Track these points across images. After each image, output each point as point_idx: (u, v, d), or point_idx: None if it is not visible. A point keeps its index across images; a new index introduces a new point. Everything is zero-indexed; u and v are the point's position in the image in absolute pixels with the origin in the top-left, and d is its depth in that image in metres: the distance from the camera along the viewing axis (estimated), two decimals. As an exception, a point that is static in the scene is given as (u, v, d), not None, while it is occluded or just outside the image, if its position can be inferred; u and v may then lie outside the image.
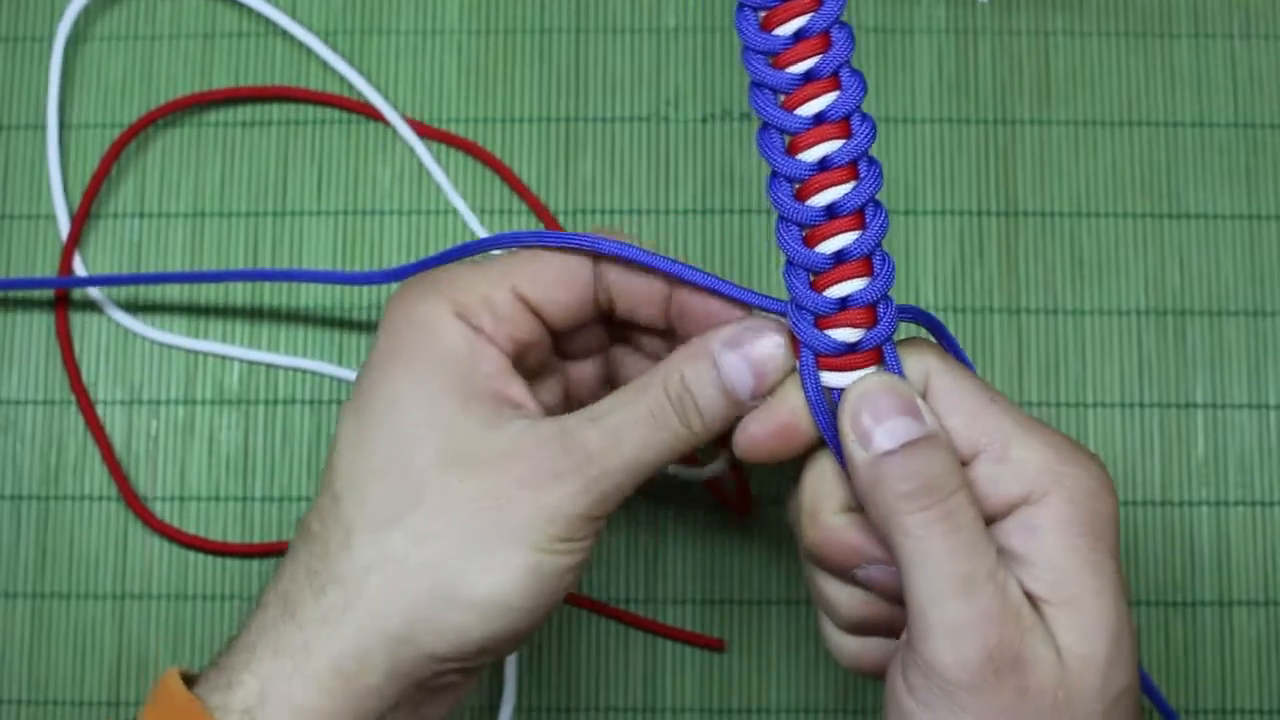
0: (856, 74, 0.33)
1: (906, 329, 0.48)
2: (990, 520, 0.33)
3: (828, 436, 0.34)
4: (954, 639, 0.31)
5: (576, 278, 0.36)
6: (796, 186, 0.33)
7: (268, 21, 0.51)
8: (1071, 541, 0.32)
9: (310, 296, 0.50)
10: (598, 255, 0.36)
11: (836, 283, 0.33)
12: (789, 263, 0.34)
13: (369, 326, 0.50)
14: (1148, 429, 0.49)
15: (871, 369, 0.34)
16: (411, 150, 0.50)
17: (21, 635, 0.48)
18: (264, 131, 0.51)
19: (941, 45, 0.51)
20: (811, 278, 0.34)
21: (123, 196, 0.50)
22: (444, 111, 0.51)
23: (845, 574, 0.36)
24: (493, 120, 0.51)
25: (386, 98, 0.51)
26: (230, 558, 0.48)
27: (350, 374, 0.49)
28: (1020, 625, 0.31)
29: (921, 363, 0.34)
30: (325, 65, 0.51)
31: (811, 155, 0.33)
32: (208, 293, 0.50)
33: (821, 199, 0.33)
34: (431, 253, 0.50)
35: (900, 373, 0.34)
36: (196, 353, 0.49)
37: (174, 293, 0.50)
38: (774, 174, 0.33)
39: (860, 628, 0.36)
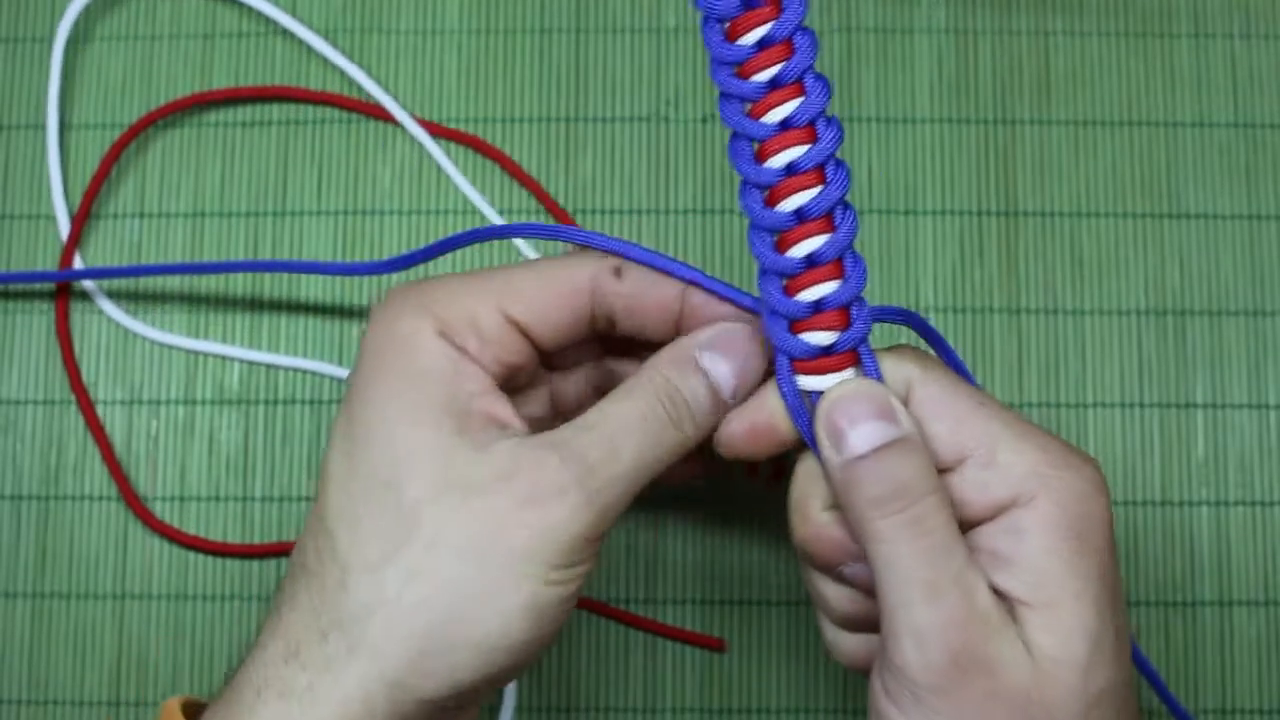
0: (820, 79, 0.33)
1: (897, 334, 0.48)
2: (978, 522, 0.33)
3: (807, 438, 0.34)
4: (919, 642, 0.32)
5: (571, 300, 0.36)
6: (766, 193, 0.33)
7: (268, 21, 0.51)
8: (1054, 545, 0.32)
9: (310, 296, 0.50)
10: (618, 265, 0.36)
11: (808, 286, 0.34)
12: (762, 269, 0.34)
13: (369, 326, 0.50)
14: (1148, 429, 0.49)
15: (849, 371, 0.34)
16: (412, 149, 0.50)
17: (21, 635, 0.48)
18: (264, 131, 0.51)
19: (941, 45, 0.51)
20: (784, 282, 0.34)
21: (123, 197, 0.50)
22: (444, 111, 0.51)
23: (833, 571, 0.36)
24: (493, 120, 0.51)
25: (366, 98, 0.51)
26: (230, 558, 0.48)
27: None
28: (987, 629, 0.31)
29: (903, 368, 0.34)
30: (326, 65, 0.51)
31: (778, 161, 0.33)
32: (208, 292, 0.50)
33: (790, 204, 0.33)
34: (431, 253, 0.50)
35: (878, 375, 0.34)
36: (196, 353, 0.49)
37: (174, 292, 0.50)
38: (744, 182, 0.34)
39: (853, 624, 0.36)
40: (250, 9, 0.51)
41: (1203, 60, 0.51)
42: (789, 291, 0.34)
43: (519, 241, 0.50)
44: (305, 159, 0.51)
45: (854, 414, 0.33)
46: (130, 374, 0.49)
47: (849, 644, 0.37)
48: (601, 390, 0.39)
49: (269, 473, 0.49)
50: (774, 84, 0.33)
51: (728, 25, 0.33)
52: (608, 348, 0.40)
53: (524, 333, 0.35)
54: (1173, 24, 0.51)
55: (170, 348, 0.50)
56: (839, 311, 0.34)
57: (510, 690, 0.47)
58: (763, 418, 0.35)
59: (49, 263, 0.50)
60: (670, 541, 0.48)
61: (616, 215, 0.50)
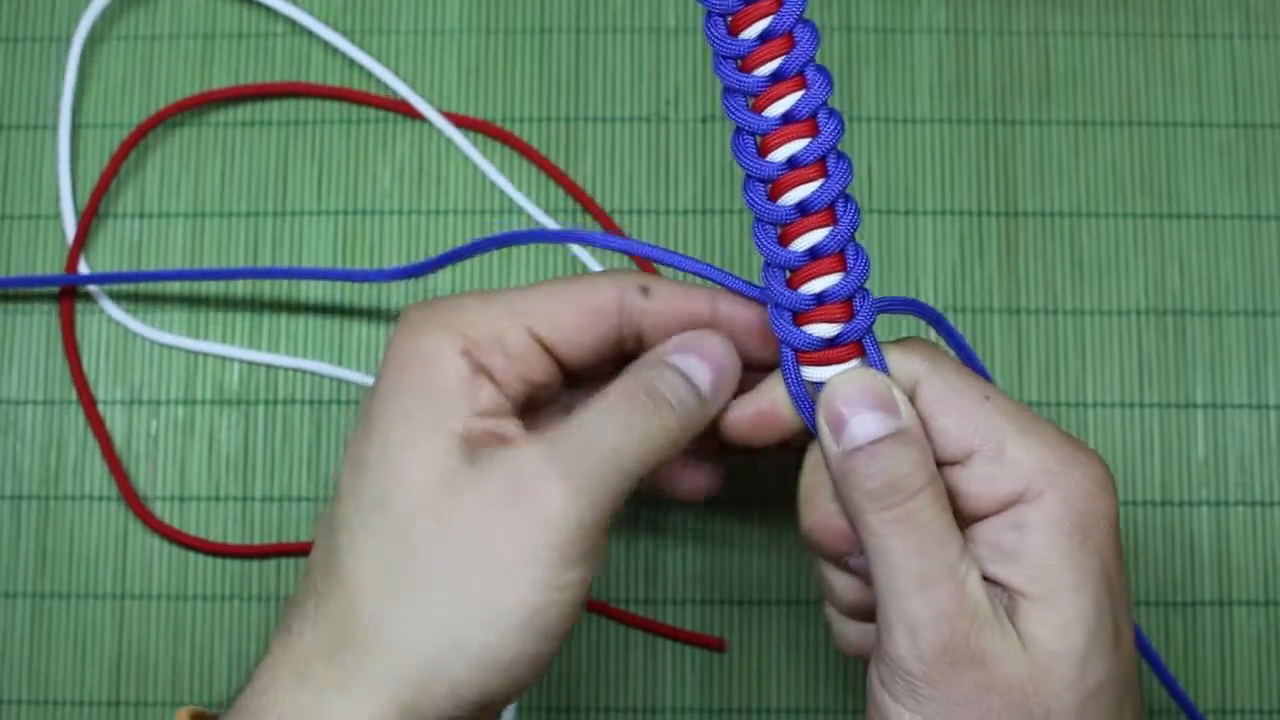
0: (822, 71, 0.33)
1: (904, 325, 0.48)
2: (984, 516, 0.33)
3: (812, 428, 0.35)
4: (911, 633, 0.32)
5: (598, 321, 0.36)
6: (769, 186, 0.34)
7: (270, 21, 0.51)
8: (1057, 539, 0.32)
9: (310, 296, 0.50)
10: (645, 283, 0.36)
11: (812, 278, 0.34)
12: (766, 262, 0.34)
13: (370, 326, 0.50)
14: (1148, 429, 0.49)
15: (853, 363, 0.34)
16: (414, 147, 0.50)
17: (21, 635, 0.48)
18: (264, 131, 0.51)
19: (941, 45, 0.51)
20: (788, 275, 0.34)
21: (123, 197, 0.50)
22: (444, 111, 0.51)
23: (839, 561, 0.36)
24: (493, 120, 0.51)
25: (394, 95, 0.51)
26: (230, 558, 0.48)
27: (350, 374, 0.49)
28: (978, 621, 0.32)
29: (910, 361, 0.34)
30: (328, 63, 0.51)
31: (780, 155, 0.33)
32: (208, 292, 0.50)
33: (792, 197, 0.33)
34: (430, 254, 0.50)
35: (883, 366, 0.34)
36: (196, 353, 0.49)
37: (174, 293, 0.50)
38: (747, 177, 0.34)
39: (858, 612, 0.37)
40: (253, 7, 0.51)
41: (1203, 60, 0.51)
42: (792, 284, 0.34)
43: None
44: (305, 159, 0.51)
45: (852, 405, 0.33)
46: (130, 374, 0.49)
47: (853, 632, 0.37)
48: None
49: (269, 473, 0.49)
50: (776, 77, 0.33)
51: (730, 19, 0.33)
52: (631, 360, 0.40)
53: (550, 351, 0.36)
54: (1173, 24, 0.51)
55: (170, 348, 0.50)
56: (842, 303, 0.34)
57: (510, 690, 0.47)
58: (768, 406, 0.35)
59: (51, 263, 0.50)
60: (670, 541, 0.48)
61: (617, 215, 0.50)
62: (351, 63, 0.51)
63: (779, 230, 0.34)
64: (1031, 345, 0.49)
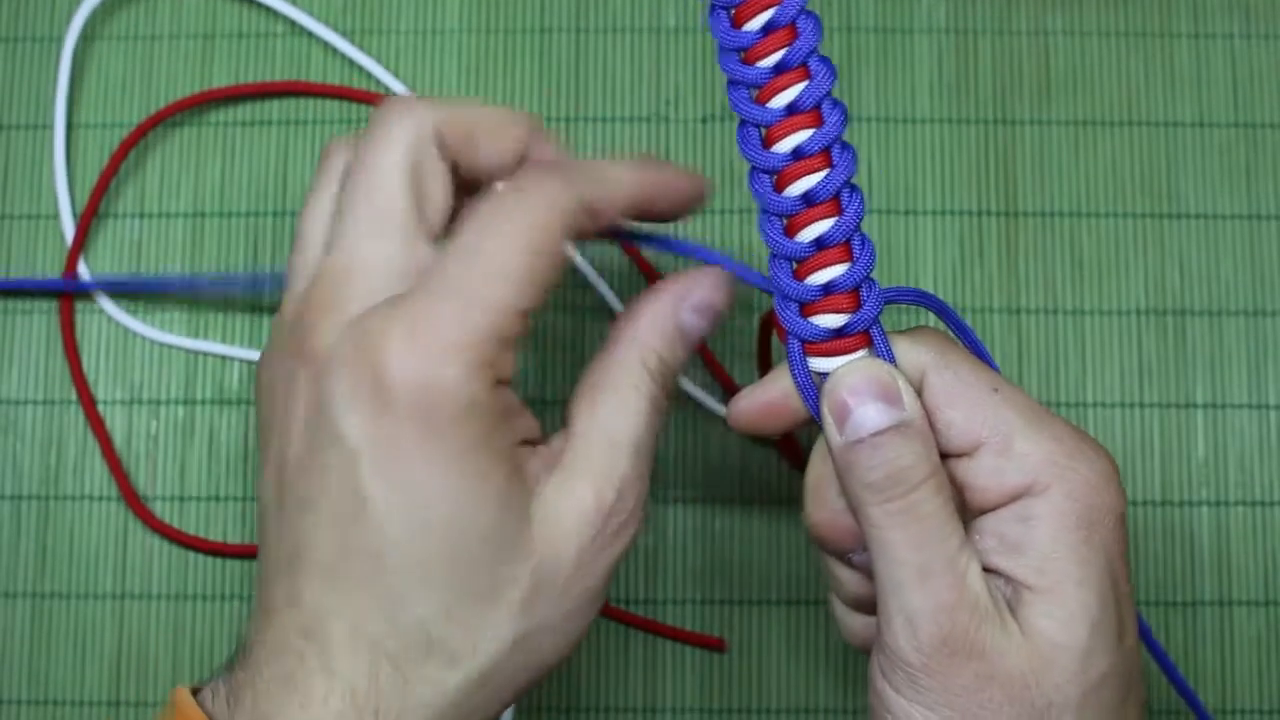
0: (825, 62, 0.33)
1: (910, 316, 0.48)
2: (991, 508, 0.33)
3: (818, 420, 0.35)
4: (910, 625, 0.32)
5: (559, 258, 0.35)
6: (774, 178, 0.34)
7: (269, 21, 0.51)
8: (1062, 532, 0.32)
9: (310, 296, 0.50)
10: (588, 209, 0.35)
11: (818, 269, 0.34)
12: (772, 254, 0.34)
13: (369, 326, 0.50)
14: (1148, 429, 0.49)
15: (861, 353, 0.34)
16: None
17: (21, 635, 0.48)
18: (264, 131, 0.51)
19: (941, 45, 0.51)
20: (794, 266, 0.34)
21: (123, 196, 0.51)
22: (444, 111, 0.51)
23: (843, 557, 0.36)
24: (493, 120, 0.51)
25: (392, 94, 0.51)
26: (230, 558, 0.48)
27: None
28: (978, 613, 0.32)
29: (918, 351, 0.34)
30: (327, 64, 0.51)
31: (785, 145, 0.33)
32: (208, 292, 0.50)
33: (798, 188, 0.33)
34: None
35: (890, 357, 0.34)
36: (196, 353, 0.49)
37: (174, 292, 0.50)
38: (752, 169, 0.34)
39: (863, 605, 0.37)
40: (253, 7, 0.51)
41: (1203, 60, 0.51)
42: (799, 275, 0.34)
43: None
44: (305, 159, 0.51)
45: (856, 396, 0.33)
46: (130, 374, 0.49)
47: (858, 625, 0.37)
48: None
49: (269, 473, 0.49)
50: (779, 68, 0.33)
51: (733, 12, 0.33)
52: None
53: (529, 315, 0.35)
54: (1173, 24, 0.51)
55: (170, 348, 0.50)
56: (849, 293, 0.34)
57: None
58: (776, 396, 0.35)
59: (50, 263, 0.50)
60: (670, 541, 0.48)
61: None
62: (351, 63, 0.51)
63: (785, 221, 0.34)
64: (1031, 345, 0.49)
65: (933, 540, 0.32)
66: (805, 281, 0.34)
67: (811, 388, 0.35)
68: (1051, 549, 0.32)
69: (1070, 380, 0.49)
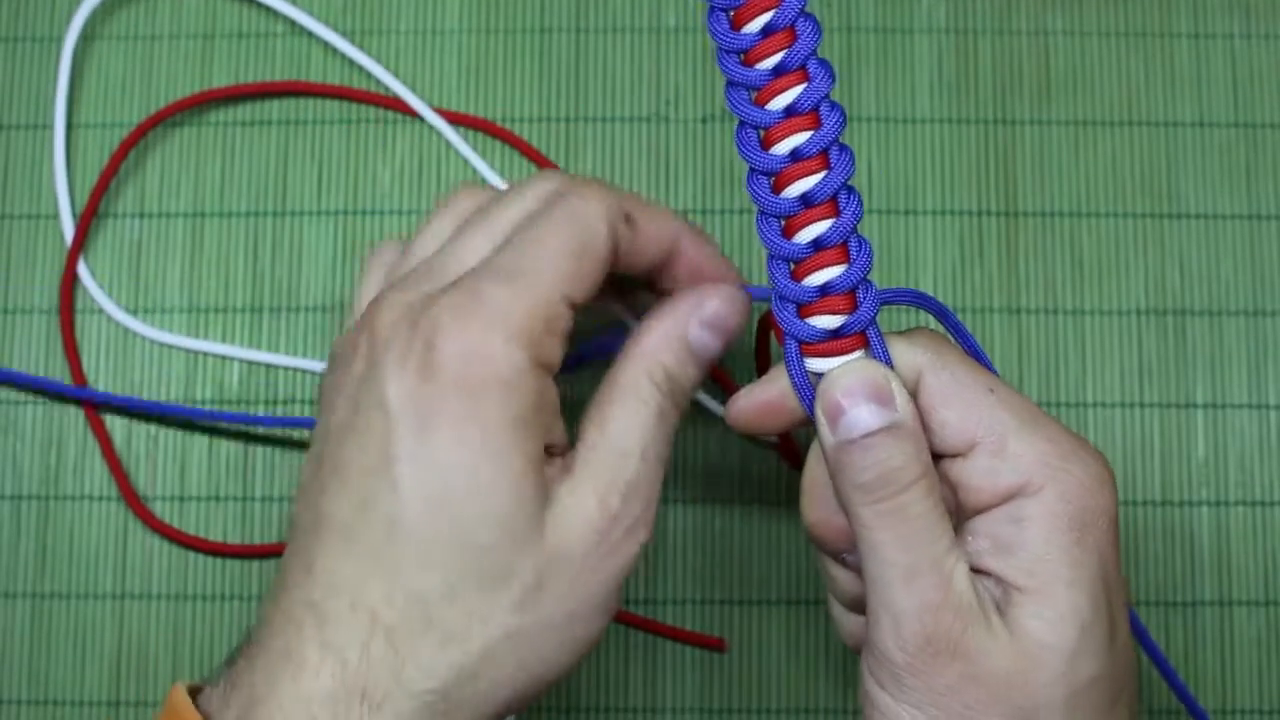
0: (824, 64, 0.33)
1: (909, 318, 0.48)
2: (984, 509, 0.34)
3: (814, 420, 0.35)
4: (895, 624, 0.32)
5: (605, 263, 0.36)
6: (772, 179, 0.34)
7: (269, 21, 0.51)
8: (1054, 534, 0.33)
9: (311, 296, 0.50)
10: (628, 212, 0.36)
11: (815, 270, 0.34)
12: (770, 255, 0.35)
13: (369, 326, 0.49)
14: (1148, 429, 0.49)
15: (857, 354, 0.34)
16: (414, 145, 0.50)
17: (21, 635, 0.48)
18: (264, 131, 0.51)
19: (941, 45, 0.51)
20: (791, 267, 0.34)
21: (123, 196, 0.51)
22: (444, 110, 0.51)
23: (838, 557, 0.37)
24: (493, 120, 0.51)
25: (392, 94, 0.51)
26: (230, 558, 0.48)
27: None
28: (963, 614, 0.32)
29: (914, 353, 0.34)
30: (327, 64, 0.51)
31: (783, 147, 0.34)
32: (208, 293, 0.50)
33: (796, 189, 0.34)
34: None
35: (886, 358, 0.34)
36: (196, 353, 0.49)
37: (174, 293, 0.50)
38: (751, 169, 0.34)
39: (859, 605, 0.37)
40: (253, 7, 0.51)
41: (1203, 60, 0.51)
42: (796, 276, 0.34)
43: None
44: (305, 159, 0.51)
45: (849, 397, 0.33)
46: (130, 374, 0.49)
47: (854, 624, 0.38)
48: None
49: (269, 473, 0.49)
50: (778, 71, 0.33)
51: (733, 14, 0.34)
52: None
53: (573, 306, 0.36)
54: (1173, 24, 0.51)
55: (170, 348, 0.50)
56: (846, 295, 0.34)
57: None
58: (774, 396, 0.36)
59: (49, 263, 0.50)
60: (670, 541, 0.48)
61: (616, 215, 0.50)
62: (351, 63, 0.51)
63: (782, 223, 0.34)
64: (1031, 345, 0.49)
65: (920, 541, 0.33)
66: (803, 282, 0.34)
67: (808, 388, 0.35)
68: (1043, 550, 0.32)
69: (1070, 380, 0.49)
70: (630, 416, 0.35)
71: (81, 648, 0.48)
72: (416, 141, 0.51)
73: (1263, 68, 0.51)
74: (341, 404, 0.35)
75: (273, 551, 0.48)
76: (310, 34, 0.51)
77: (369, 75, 0.51)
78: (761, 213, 0.34)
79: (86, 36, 0.51)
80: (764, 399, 0.36)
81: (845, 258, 0.34)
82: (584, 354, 0.39)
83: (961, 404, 0.34)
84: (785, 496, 0.48)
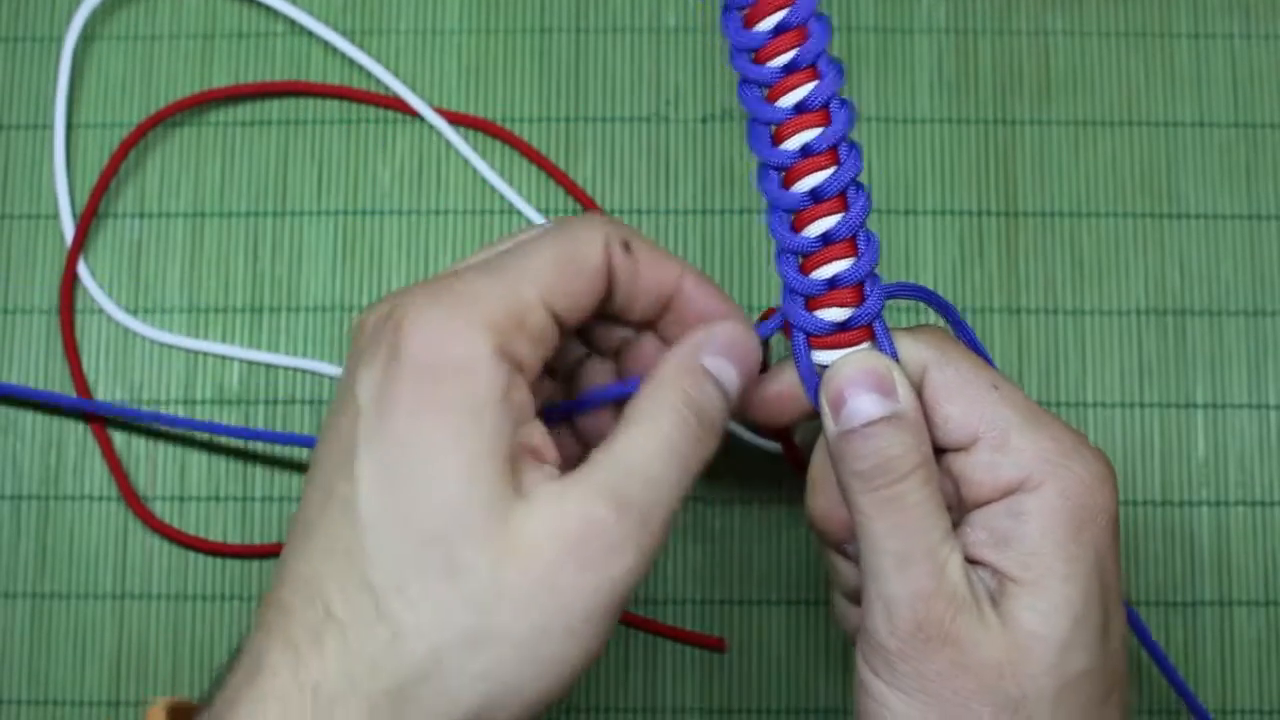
0: (834, 63, 0.34)
1: (911, 314, 0.48)
2: (984, 503, 0.34)
3: (818, 409, 0.35)
4: (887, 610, 0.33)
5: (596, 281, 0.34)
6: (783, 175, 0.35)
7: (269, 21, 0.51)
8: (1052, 529, 0.33)
9: (310, 296, 0.50)
10: (626, 238, 0.35)
11: (824, 264, 0.35)
12: (779, 249, 0.35)
13: (369, 326, 0.49)
14: (1148, 429, 0.49)
15: (863, 346, 0.35)
16: (414, 146, 0.50)
17: (21, 635, 0.48)
18: (264, 131, 0.51)
19: (941, 45, 0.51)
20: (800, 261, 0.35)
21: (123, 196, 0.51)
22: (444, 110, 0.51)
23: (839, 548, 0.37)
24: (493, 120, 0.51)
25: (392, 94, 0.51)
26: (230, 558, 0.48)
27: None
28: (954, 603, 0.32)
29: (920, 348, 0.35)
30: (327, 63, 0.51)
31: (794, 144, 0.34)
32: (208, 293, 0.50)
33: (805, 184, 0.34)
34: (429, 252, 0.50)
35: (891, 351, 0.35)
36: (196, 353, 0.49)
37: (174, 293, 0.50)
38: (762, 165, 0.35)
39: (860, 598, 0.37)
40: (253, 7, 0.51)
41: (1203, 60, 0.51)
42: (805, 269, 0.35)
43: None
44: (305, 159, 0.51)
45: (853, 386, 0.34)
46: (130, 374, 0.49)
47: (856, 616, 0.38)
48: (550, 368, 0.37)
49: (269, 473, 0.49)
50: (789, 68, 0.34)
51: (745, 13, 0.34)
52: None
53: (557, 320, 0.34)
54: (1173, 24, 0.51)
55: (170, 348, 0.50)
56: (853, 288, 0.35)
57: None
58: (783, 388, 0.36)
59: (49, 262, 0.50)
60: (670, 541, 0.48)
61: (617, 215, 0.50)
62: (351, 63, 0.51)
63: (792, 217, 0.35)
64: (1031, 345, 0.49)
65: (915, 530, 0.33)
66: (811, 276, 0.35)
67: (815, 379, 0.35)
68: (1040, 544, 0.33)
69: (1070, 380, 0.49)
70: (641, 437, 0.33)
71: (81, 648, 0.48)
72: (416, 141, 0.51)
73: (1263, 68, 0.51)
74: (331, 405, 0.34)
75: (272, 551, 0.48)
76: (310, 34, 0.51)
77: (369, 75, 0.51)
78: (771, 207, 0.35)
79: (86, 36, 0.51)
80: (777, 389, 0.36)
81: (853, 252, 0.34)
82: (582, 401, 0.37)
83: (965, 399, 0.34)
84: (785, 496, 0.48)
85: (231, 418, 0.49)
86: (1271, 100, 0.50)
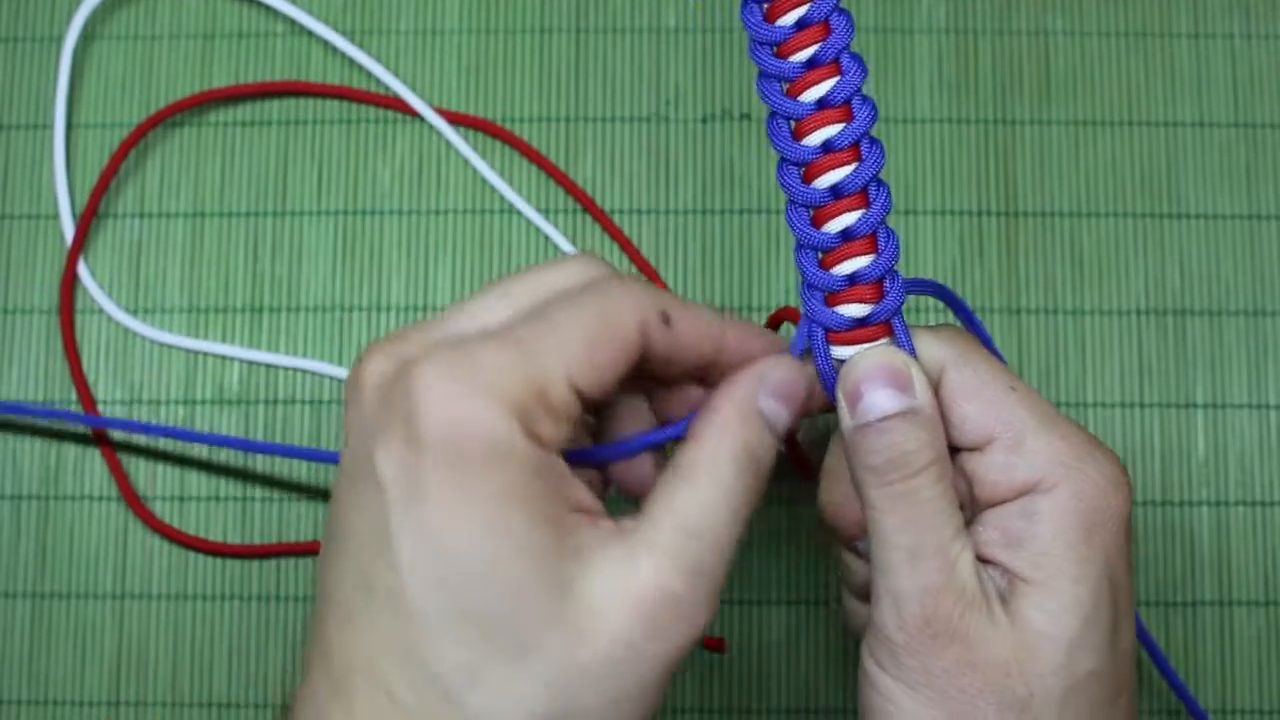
0: (856, 58, 0.34)
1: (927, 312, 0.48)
2: (998, 503, 0.34)
3: (835, 404, 0.35)
4: (895, 605, 0.33)
5: (626, 355, 0.33)
6: (803, 170, 0.34)
7: (269, 21, 0.51)
8: (1064, 530, 0.33)
9: (310, 296, 0.50)
10: (666, 310, 0.34)
11: (844, 260, 0.35)
12: (799, 244, 0.35)
13: (370, 326, 0.50)
14: (1148, 429, 0.49)
15: (882, 342, 0.35)
16: (414, 146, 0.50)
17: (21, 635, 0.48)
18: (264, 131, 0.51)
19: (941, 45, 0.51)
20: (820, 256, 0.35)
21: (123, 196, 0.51)
22: (444, 110, 0.51)
23: (850, 545, 0.37)
24: (493, 120, 0.51)
25: (392, 94, 0.51)
26: (230, 558, 0.48)
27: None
28: (963, 600, 0.33)
29: (939, 347, 0.35)
30: (327, 63, 0.51)
31: (815, 139, 0.34)
32: (208, 293, 0.50)
33: (826, 180, 0.34)
34: (429, 252, 0.50)
35: (909, 347, 0.35)
36: (196, 353, 0.49)
37: (174, 293, 0.50)
38: (782, 159, 0.35)
39: (867, 594, 0.37)
40: (253, 7, 0.51)
41: (1203, 60, 0.51)
42: (825, 265, 0.35)
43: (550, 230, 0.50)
44: (305, 159, 0.51)
45: (868, 382, 0.34)
46: (130, 374, 0.49)
47: (864, 613, 0.38)
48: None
49: (269, 473, 0.49)
50: (811, 63, 0.34)
51: (767, 7, 0.34)
52: None
53: (580, 394, 0.32)
54: (1173, 24, 0.51)
55: (170, 348, 0.50)
56: (873, 284, 0.35)
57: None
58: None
59: (49, 263, 0.50)
60: (670, 541, 0.48)
61: (616, 215, 0.50)
62: (351, 62, 0.51)
63: (812, 212, 0.35)
64: (1031, 345, 0.49)
65: (926, 525, 0.33)
66: (831, 271, 0.35)
67: (832, 374, 0.35)
68: (1051, 545, 0.33)
69: (1070, 380, 0.49)
70: (702, 495, 0.32)
71: (81, 648, 0.48)
72: (416, 141, 0.51)
73: (1263, 68, 0.51)
74: (346, 458, 0.32)
75: (272, 551, 0.48)
76: (310, 34, 0.51)
77: (369, 75, 0.51)
78: (791, 202, 0.35)
79: (86, 36, 0.51)
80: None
81: (873, 248, 0.34)
82: (621, 447, 0.36)
83: (982, 400, 0.34)
84: (786, 497, 0.48)
85: (231, 418, 0.49)
86: (1271, 100, 0.50)
